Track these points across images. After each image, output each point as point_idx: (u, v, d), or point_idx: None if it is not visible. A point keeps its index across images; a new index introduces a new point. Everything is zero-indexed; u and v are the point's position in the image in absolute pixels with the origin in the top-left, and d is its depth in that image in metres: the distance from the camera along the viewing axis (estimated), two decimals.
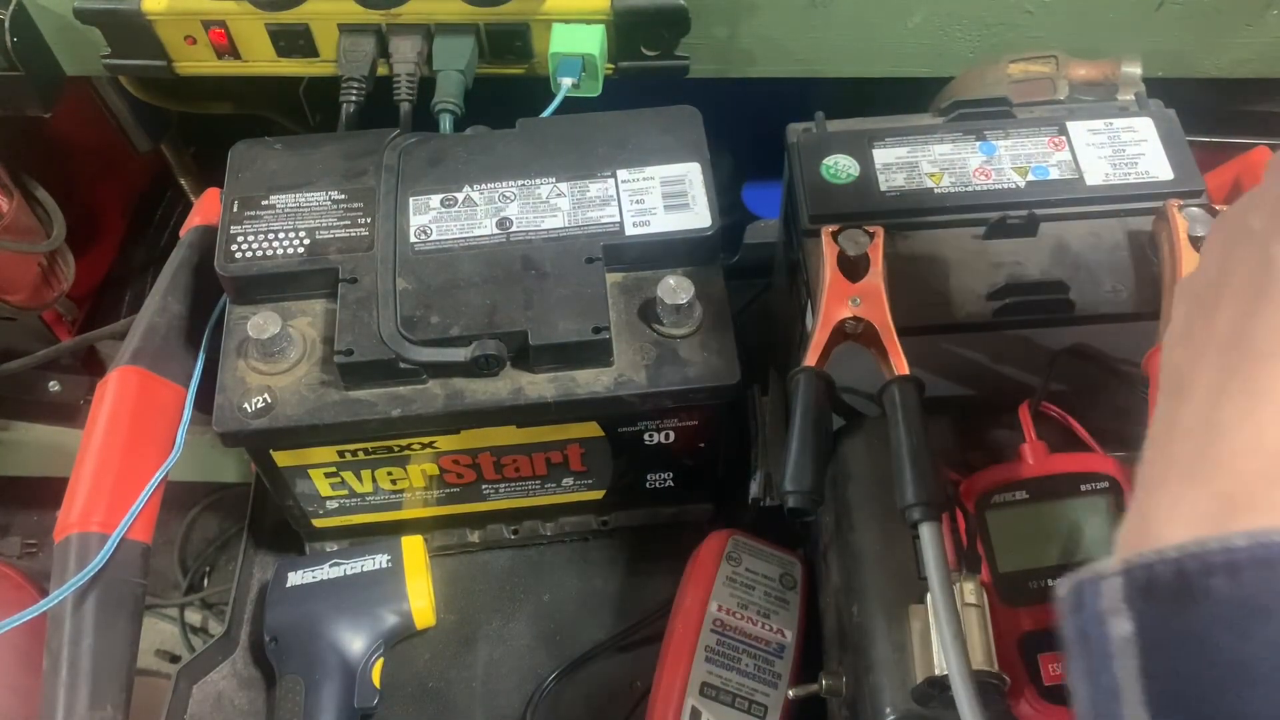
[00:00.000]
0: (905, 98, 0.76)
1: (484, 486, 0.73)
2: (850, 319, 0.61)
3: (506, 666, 0.75)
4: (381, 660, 0.73)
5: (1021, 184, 0.67)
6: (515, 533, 0.79)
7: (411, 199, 0.68)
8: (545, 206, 0.67)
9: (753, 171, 1.01)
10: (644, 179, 0.68)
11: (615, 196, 0.68)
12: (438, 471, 0.71)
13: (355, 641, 0.72)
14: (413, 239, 0.66)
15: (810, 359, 0.59)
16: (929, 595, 0.52)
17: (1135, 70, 0.72)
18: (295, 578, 0.74)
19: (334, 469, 0.69)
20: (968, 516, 0.62)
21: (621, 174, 0.69)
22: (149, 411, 0.66)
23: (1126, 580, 0.29)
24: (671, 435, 0.70)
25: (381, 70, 0.79)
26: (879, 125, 0.70)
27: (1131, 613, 0.29)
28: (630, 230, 0.66)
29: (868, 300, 0.61)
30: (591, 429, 0.68)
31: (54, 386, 1.09)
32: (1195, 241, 0.62)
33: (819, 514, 0.73)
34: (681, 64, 0.78)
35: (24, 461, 1.15)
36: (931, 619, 0.52)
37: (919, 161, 0.68)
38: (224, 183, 0.69)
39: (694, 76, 0.80)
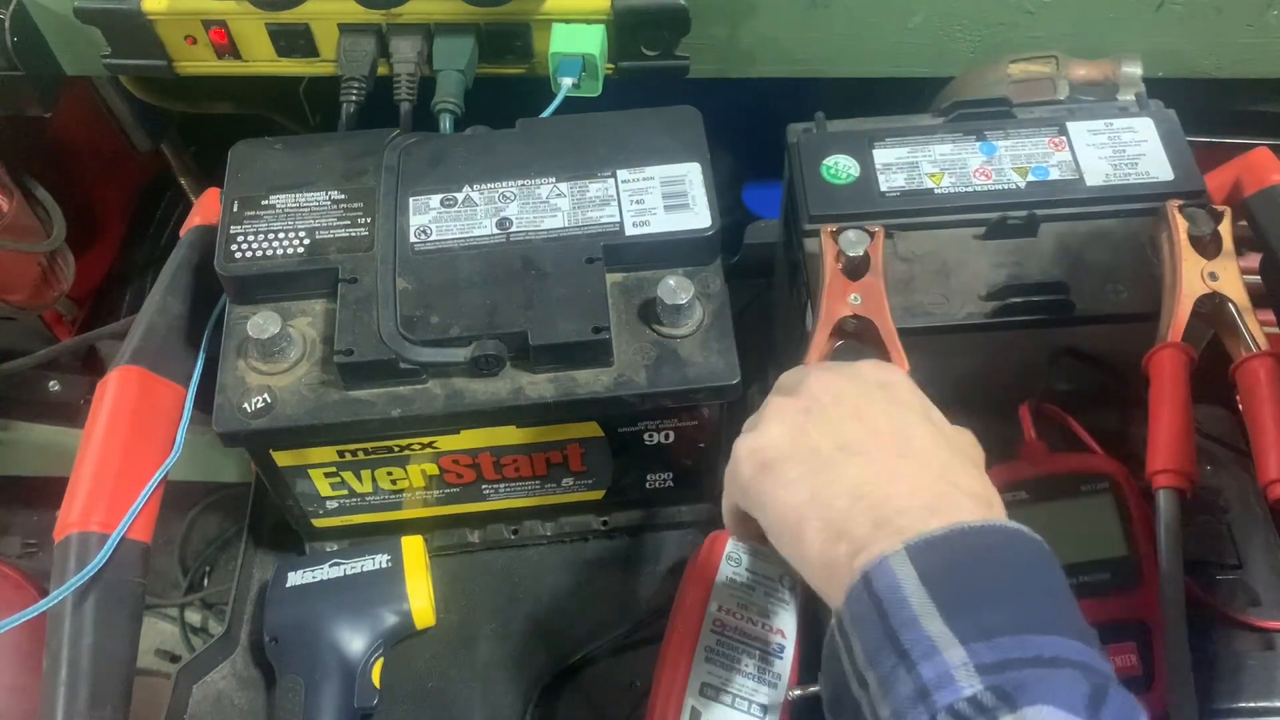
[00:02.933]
0: (905, 98, 0.76)
1: (484, 486, 0.73)
2: (850, 317, 0.61)
3: (506, 666, 0.75)
4: (381, 660, 0.73)
5: (1022, 184, 0.67)
6: (515, 533, 0.79)
7: (411, 199, 0.68)
8: (545, 206, 0.67)
9: (753, 171, 1.01)
10: (644, 179, 0.68)
11: (615, 196, 0.68)
12: (438, 471, 0.71)
13: (355, 641, 0.72)
14: (413, 239, 0.66)
15: (811, 357, 0.59)
16: None
17: (1135, 70, 0.72)
18: (295, 578, 0.74)
19: (334, 469, 0.69)
20: None
21: (621, 174, 0.69)
22: (149, 411, 0.66)
23: (909, 549, 0.40)
24: (672, 435, 0.70)
25: (381, 70, 0.79)
26: (879, 125, 0.71)
27: (912, 559, 0.40)
28: (630, 230, 0.66)
29: (868, 299, 0.61)
30: (591, 429, 0.68)
31: (54, 386, 1.09)
32: (1195, 241, 0.62)
33: None
34: (681, 64, 0.78)
35: (24, 461, 1.15)
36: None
37: (919, 162, 0.68)
38: (224, 182, 0.69)
39: (694, 76, 0.80)
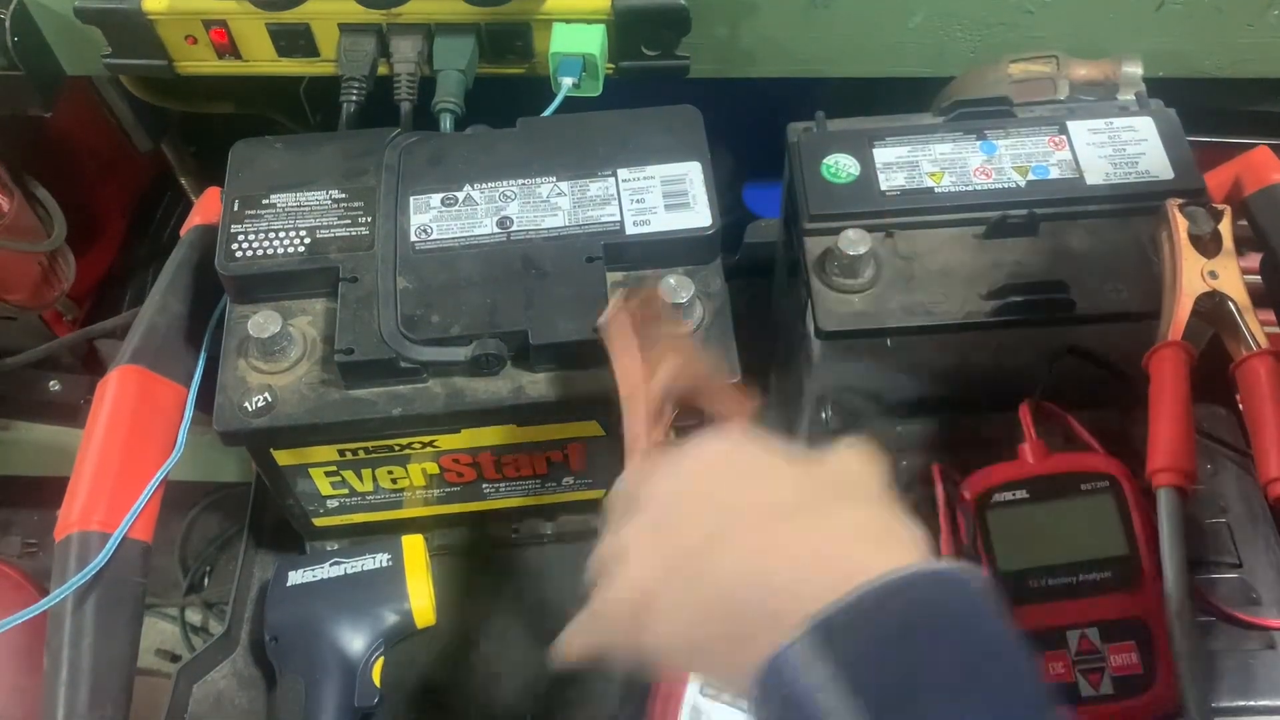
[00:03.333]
0: (905, 98, 0.76)
1: (484, 486, 0.73)
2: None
3: (506, 666, 0.75)
4: (381, 660, 0.73)
5: (1022, 184, 0.67)
6: (516, 532, 0.79)
7: (412, 198, 0.68)
8: (546, 206, 0.67)
9: (753, 171, 1.01)
10: (644, 178, 0.68)
11: (616, 196, 0.68)
12: (438, 470, 0.71)
13: (355, 641, 0.72)
14: (413, 238, 0.66)
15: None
16: None
17: (1135, 70, 0.72)
18: (295, 577, 0.74)
19: (334, 468, 0.69)
20: (968, 516, 0.62)
21: (622, 173, 0.69)
22: (149, 411, 0.66)
23: (811, 633, 0.34)
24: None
25: (382, 70, 0.79)
26: (879, 125, 0.71)
27: (829, 653, 0.34)
28: (631, 229, 0.66)
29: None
30: (592, 428, 0.68)
31: (54, 386, 1.09)
32: (1195, 241, 0.62)
33: None
34: (682, 64, 0.78)
35: (24, 461, 1.15)
36: None
37: (919, 161, 0.68)
38: (224, 182, 0.69)
39: (694, 76, 0.80)
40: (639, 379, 0.53)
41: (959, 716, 0.33)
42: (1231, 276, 0.61)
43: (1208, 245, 0.62)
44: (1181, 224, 0.62)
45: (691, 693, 0.67)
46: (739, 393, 0.54)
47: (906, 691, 0.33)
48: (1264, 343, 0.60)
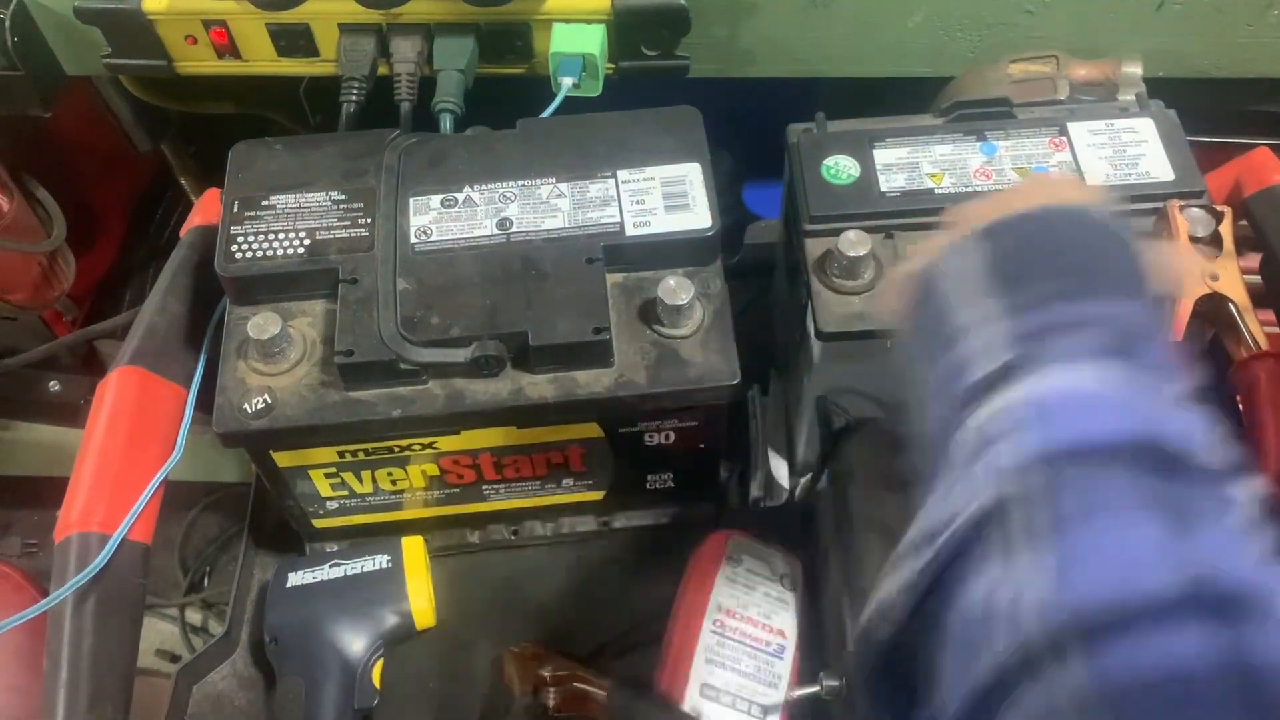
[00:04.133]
0: (905, 98, 0.76)
1: (484, 487, 0.73)
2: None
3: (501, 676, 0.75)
4: (381, 660, 0.73)
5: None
6: (515, 533, 0.79)
7: (412, 199, 0.68)
8: (545, 207, 0.67)
9: (753, 171, 1.01)
10: (644, 179, 0.68)
11: (615, 197, 0.68)
12: (438, 472, 0.71)
13: (355, 642, 0.72)
14: (413, 239, 0.66)
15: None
16: None
17: (1136, 70, 0.72)
18: (295, 578, 0.74)
19: (334, 469, 0.69)
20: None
21: (622, 174, 0.68)
22: (149, 412, 0.66)
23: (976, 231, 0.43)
24: (672, 436, 0.70)
25: (382, 70, 0.79)
26: (879, 126, 0.70)
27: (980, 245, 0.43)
28: (630, 231, 0.66)
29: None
30: (592, 429, 0.68)
31: (54, 386, 1.09)
32: (1196, 243, 0.62)
33: (819, 514, 0.73)
34: (682, 64, 0.78)
35: (24, 461, 1.15)
36: None
37: (919, 162, 0.68)
38: (224, 183, 0.69)
39: (694, 76, 0.79)
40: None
41: (1083, 295, 0.40)
42: (1232, 278, 0.61)
43: (1208, 247, 0.62)
44: (1182, 225, 0.62)
45: (692, 693, 0.67)
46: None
47: (1018, 276, 0.41)
48: (1264, 344, 0.59)
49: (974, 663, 0.33)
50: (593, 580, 0.79)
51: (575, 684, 0.69)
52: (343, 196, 0.68)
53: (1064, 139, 0.68)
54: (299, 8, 0.76)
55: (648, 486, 0.76)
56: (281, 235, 0.66)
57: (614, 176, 0.68)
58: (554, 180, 0.68)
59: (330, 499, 0.72)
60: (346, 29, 0.77)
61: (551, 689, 0.69)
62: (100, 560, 0.61)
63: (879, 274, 0.64)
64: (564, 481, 0.74)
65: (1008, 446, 0.36)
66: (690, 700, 0.67)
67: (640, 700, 0.68)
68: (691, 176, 0.68)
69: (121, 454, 0.64)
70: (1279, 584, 0.32)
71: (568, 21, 0.75)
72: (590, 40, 0.75)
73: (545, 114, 0.74)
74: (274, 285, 0.66)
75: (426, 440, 0.67)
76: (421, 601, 0.73)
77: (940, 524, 0.37)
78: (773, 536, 0.76)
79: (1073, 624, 0.31)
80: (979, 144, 0.68)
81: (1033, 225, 0.43)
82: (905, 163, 0.68)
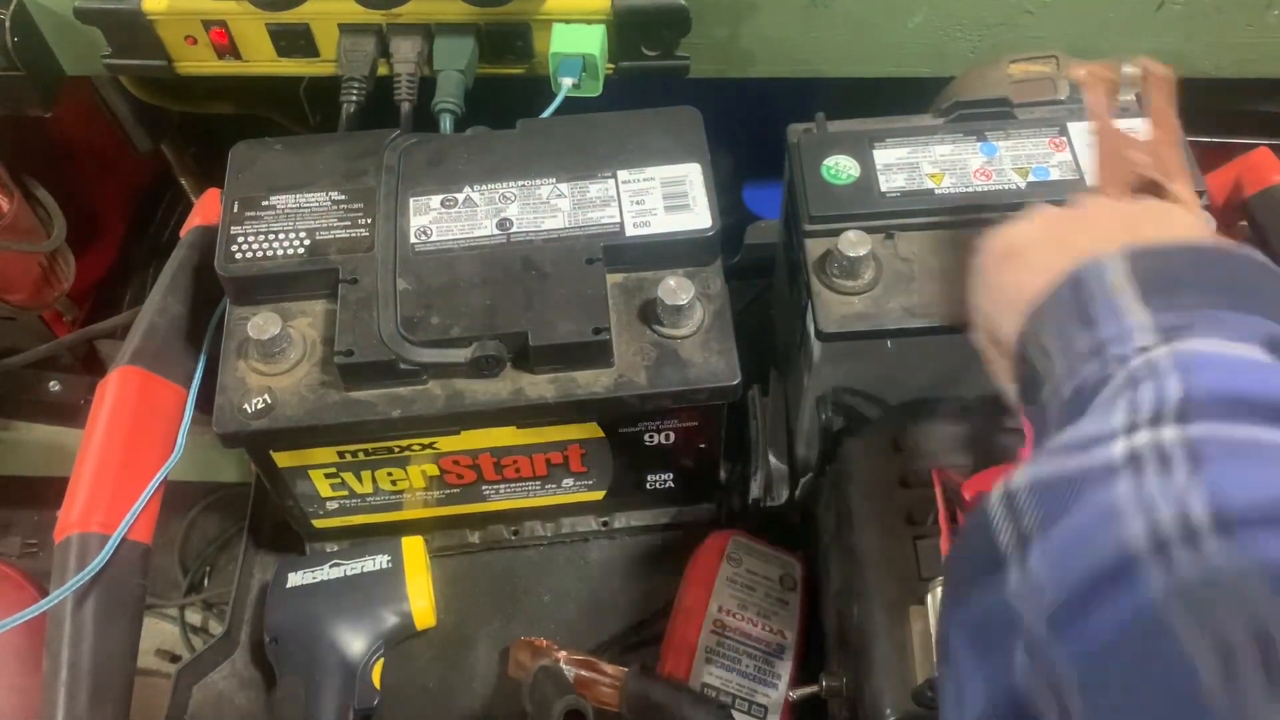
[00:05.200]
0: (906, 98, 0.76)
1: (484, 487, 0.73)
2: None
3: (507, 667, 0.75)
4: (381, 660, 0.73)
5: (1022, 185, 0.67)
6: (515, 533, 0.79)
7: (412, 199, 0.68)
8: (546, 207, 0.67)
9: (753, 171, 1.01)
10: (644, 179, 0.68)
11: (615, 197, 0.68)
12: (438, 472, 0.71)
13: (355, 642, 0.72)
14: (413, 239, 0.66)
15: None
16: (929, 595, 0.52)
17: (1136, 70, 0.72)
18: (295, 578, 0.74)
19: (334, 469, 0.69)
20: (969, 517, 0.62)
21: (622, 174, 0.68)
22: (149, 412, 0.66)
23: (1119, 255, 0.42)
24: (672, 436, 0.70)
25: (382, 70, 0.79)
26: (879, 126, 0.70)
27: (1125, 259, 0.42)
28: (631, 231, 0.66)
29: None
30: (592, 430, 0.68)
31: (54, 386, 1.09)
32: None
33: (820, 515, 0.73)
34: (682, 64, 0.78)
35: (24, 461, 1.15)
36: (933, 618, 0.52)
37: (919, 162, 0.68)
38: (224, 183, 0.69)
39: (694, 76, 0.79)
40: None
41: (1231, 309, 0.39)
42: None
43: None
44: None
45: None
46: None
47: (1173, 286, 0.40)
48: None
49: (1090, 552, 0.32)
50: (593, 580, 0.79)
51: (588, 671, 0.69)
52: (343, 196, 0.68)
53: (1064, 139, 0.68)
54: (299, 8, 0.76)
55: (648, 486, 0.76)
56: (281, 235, 0.66)
57: (614, 177, 0.68)
58: (554, 180, 0.68)
59: (330, 499, 0.72)
60: (346, 29, 0.77)
61: (565, 667, 0.69)
62: (100, 560, 0.61)
63: (879, 274, 0.64)
64: (564, 481, 0.74)
65: (1154, 386, 0.36)
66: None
67: (655, 682, 0.68)
68: (691, 177, 0.68)
69: (121, 454, 0.64)
70: None
71: (568, 22, 0.75)
72: (590, 40, 0.75)
73: (545, 114, 0.74)
74: (274, 285, 0.66)
75: (426, 440, 0.67)
76: (421, 601, 0.73)
77: (1076, 441, 0.36)
78: (773, 537, 0.76)
79: (1220, 515, 0.30)
80: (979, 144, 0.68)
81: (1180, 253, 0.43)
82: (905, 163, 0.68)
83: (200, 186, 1.07)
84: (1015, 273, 0.48)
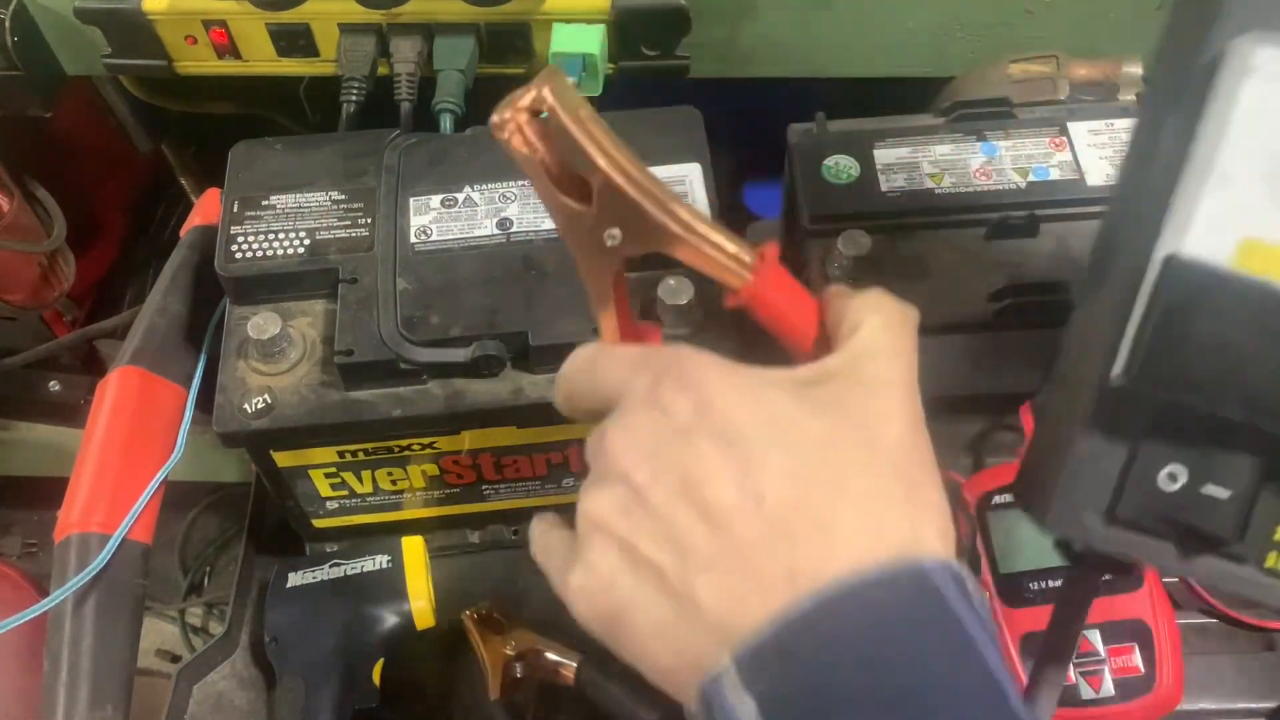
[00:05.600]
0: (906, 98, 0.76)
1: (484, 487, 0.73)
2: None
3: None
4: (381, 660, 0.73)
5: (1022, 185, 0.67)
6: (515, 533, 0.79)
7: (412, 199, 0.68)
8: None
9: (753, 171, 1.01)
10: None
11: None
12: (438, 472, 0.71)
13: (355, 642, 0.72)
14: (413, 239, 0.66)
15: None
16: None
17: (1136, 70, 0.72)
18: (295, 578, 0.74)
19: (334, 469, 0.69)
20: (969, 517, 0.62)
21: None
22: (149, 412, 0.66)
23: (736, 667, 0.32)
24: None
25: (382, 70, 0.79)
26: (880, 126, 0.70)
27: (751, 693, 0.31)
28: None
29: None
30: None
31: (54, 386, 1.09)
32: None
33: None
34: (682, 64, 0.78)
35: (24, 461, 1.14)
36: None
37: (920, 162, 0.68)
38: (224, 183, 0.69)
39: (694, 76, 0.79)
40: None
41: None
42: None
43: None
44: None
45: None
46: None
47: None
48: None
49: None
50: None
51: (546, 655, 0.69)
52: (343, 196, 0.68)
53: (1064, 139, 0.68)
54: (299, 8, 0.76)
55: None
56: (281, 235, 0.66)
57: None
58: None
59: (330, 499, 0.72)
60: (346, 29, 0.77)
61: (518, 662, 0.69)
62: (100, 560, 0.61)
63: (879, 274, 0.64)
64: (564, 481, 0.74)
65: None
66: None
67: (608, 674, 0.68)
68: (691, 176, 0.68)
69: (121, 454, 0.64)
70: None
71: (568, 21, 0.75)
72: (590, 40, 0.75)
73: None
74: (274, 285, 0.66)
75: (426, 440, 0.67)
76: (421, 601, 0.73)
77: None
78: None
79: None
80: (979, 144, 0.68)
81: (802, 640, 0.32)
82: (905, 163, 0.68)
83: (200, 186, 1.07)
84: (636, 647, 0.37)
